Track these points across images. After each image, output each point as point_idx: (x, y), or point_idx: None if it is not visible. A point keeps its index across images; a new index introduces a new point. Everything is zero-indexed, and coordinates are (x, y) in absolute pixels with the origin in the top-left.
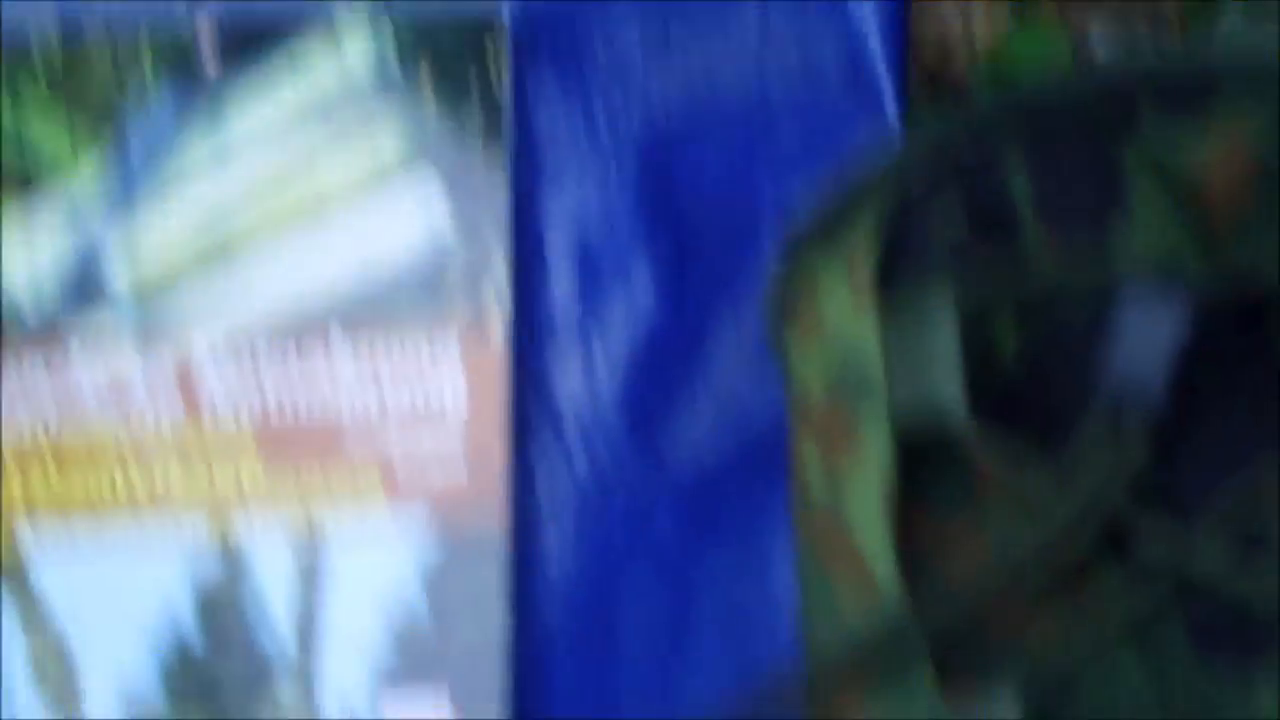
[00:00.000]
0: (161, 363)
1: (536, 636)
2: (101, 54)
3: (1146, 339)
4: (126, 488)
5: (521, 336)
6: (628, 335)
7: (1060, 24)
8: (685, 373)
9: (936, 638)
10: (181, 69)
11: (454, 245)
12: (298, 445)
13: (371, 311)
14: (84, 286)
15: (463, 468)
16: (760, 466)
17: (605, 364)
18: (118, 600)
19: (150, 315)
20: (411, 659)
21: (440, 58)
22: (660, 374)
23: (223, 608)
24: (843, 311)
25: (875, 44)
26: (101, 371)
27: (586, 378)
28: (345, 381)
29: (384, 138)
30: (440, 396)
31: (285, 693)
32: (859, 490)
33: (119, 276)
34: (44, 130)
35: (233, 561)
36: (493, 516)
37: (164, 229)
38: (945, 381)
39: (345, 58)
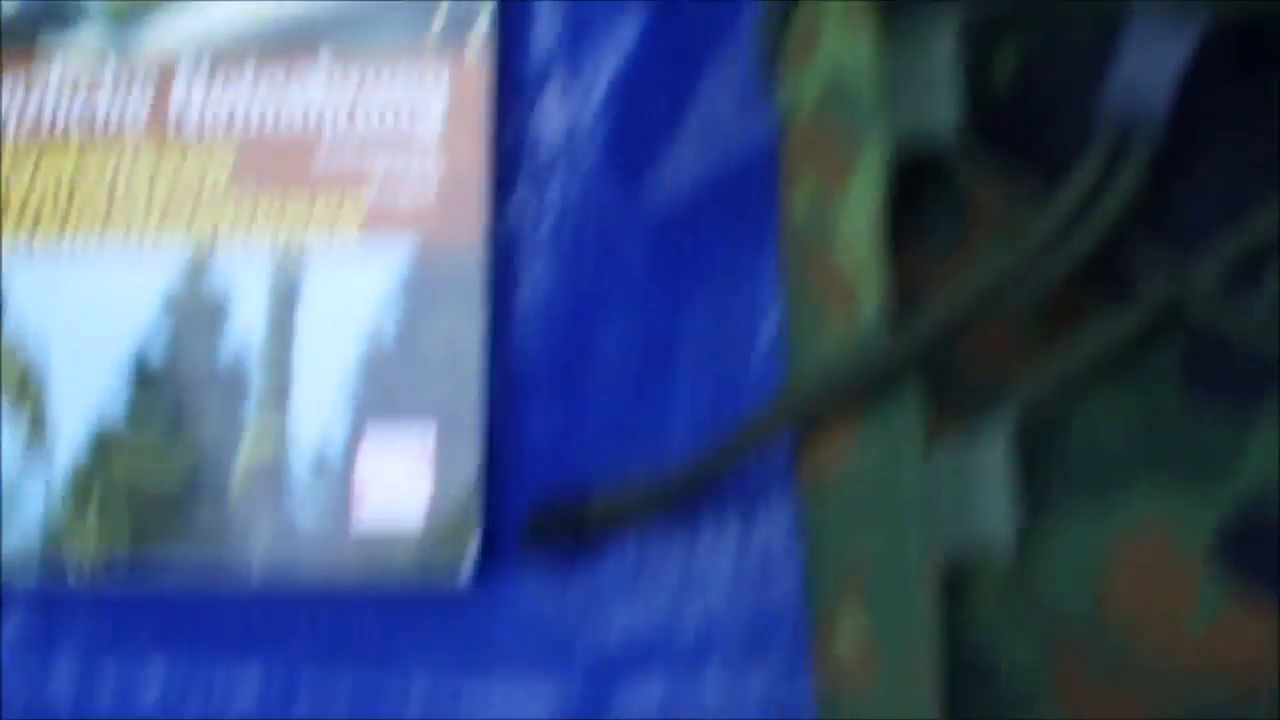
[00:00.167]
0: (140, 81)
1: (511, 372)
2: None
3: (1152, 63)
4: (102, 206)
5: (505, 66)
6: (612, 67)
7: None
8: (669, 108)
9: (924, 371)
10: None
11: None
12: (277, 166)
13: (355, 34)
14: (62, 5)
15: (442, 194)
16: (743, 202)
17: (589, 97)
18: (88, 320)
19: (129, 35)
20: (386, 387)
21: None
22: (643, 108)
23: (194, 328)
24: (839, 30)
25: None
26: (79, 90)
27: (569, 111)
28: (327, 103)
29: None
30: (422, 122)
31: (255, 418)
32: (850, 215)
33: None
34: None
35: (206, 281)
36: (471, 246)
37: None
38: (942, 104)
39: None
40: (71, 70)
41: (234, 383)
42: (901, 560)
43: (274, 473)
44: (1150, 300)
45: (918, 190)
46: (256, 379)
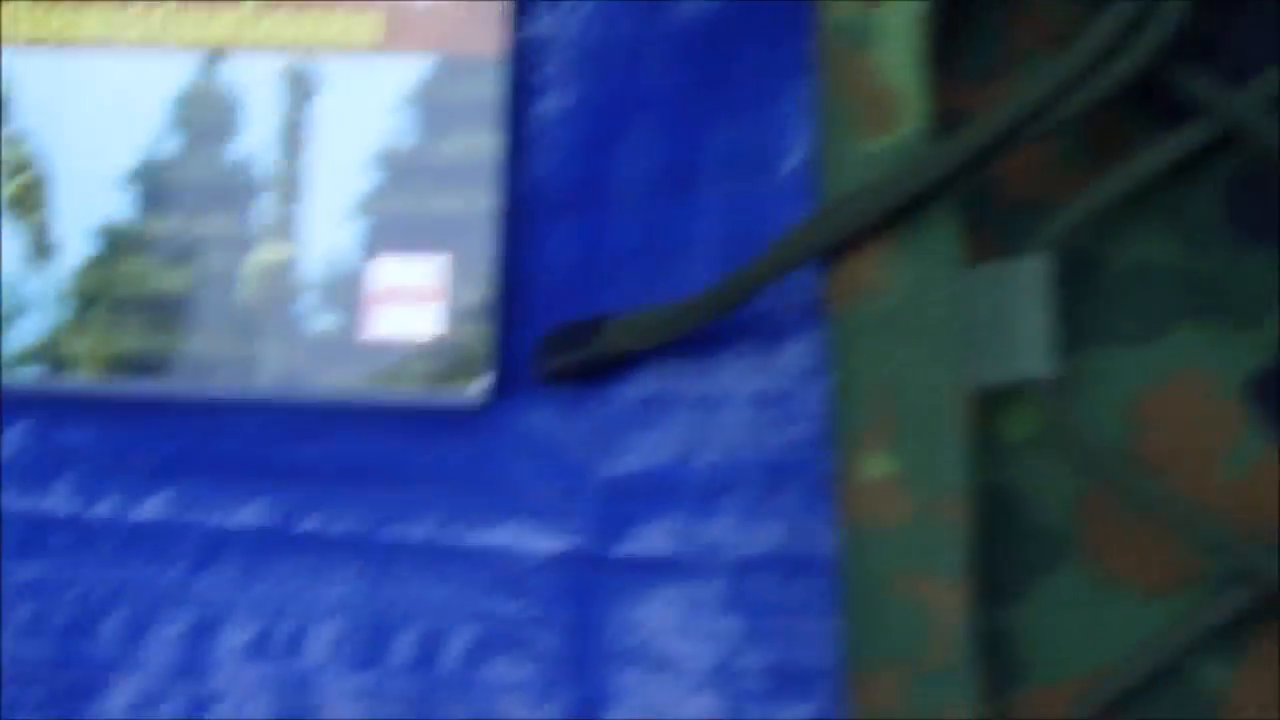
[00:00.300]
0: None
1: (531, 190)
2: None
3: None
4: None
5: None
6: None
7: None
8: None
9: (963, 194)
10: None
11: None
12: None
13: None
14: None
15: (461, 10)
16: (771, 24)
17: None
18: (97, 121)
19: None
20: (400, 202)
21: None
22: None
23: (205, 132)
24: None
25: None
26: None
27: None
28: None
29: None
30: None
31: (265, 224)
32: (894, 30)
33: None
34: None
35: (217, 86)
36: (490, 64)
37: None
38: None
39: None
40: None
41: (244, 188)
42: (934, 387)
43: (283, 279)
44: (1197, 129)
45: (960, 9)
46: (268, 184)
